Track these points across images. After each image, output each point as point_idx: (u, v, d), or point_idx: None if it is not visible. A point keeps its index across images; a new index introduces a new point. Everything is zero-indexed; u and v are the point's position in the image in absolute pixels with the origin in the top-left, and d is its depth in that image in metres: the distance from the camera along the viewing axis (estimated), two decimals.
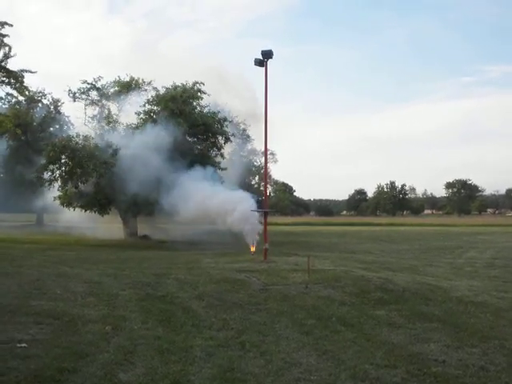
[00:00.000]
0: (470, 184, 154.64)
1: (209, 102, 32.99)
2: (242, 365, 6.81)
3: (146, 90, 36.30)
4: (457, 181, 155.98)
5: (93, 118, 37.28)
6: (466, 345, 7.88)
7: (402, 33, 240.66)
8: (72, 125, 43.91)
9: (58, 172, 28.25)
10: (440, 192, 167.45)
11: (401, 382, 6.26)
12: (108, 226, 33.53)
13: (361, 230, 53.78)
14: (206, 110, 32.44)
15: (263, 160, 20.81)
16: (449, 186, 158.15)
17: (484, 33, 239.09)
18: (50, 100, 45.68)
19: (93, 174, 27.38)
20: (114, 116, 32.74)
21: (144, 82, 36.50)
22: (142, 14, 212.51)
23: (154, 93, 33.96)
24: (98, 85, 37.69)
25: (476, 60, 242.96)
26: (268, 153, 21.39)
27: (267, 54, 20.05)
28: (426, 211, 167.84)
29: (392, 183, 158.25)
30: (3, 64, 32.57)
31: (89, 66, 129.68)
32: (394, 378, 6.35)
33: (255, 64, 20.30)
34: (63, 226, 36.08)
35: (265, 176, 20.02)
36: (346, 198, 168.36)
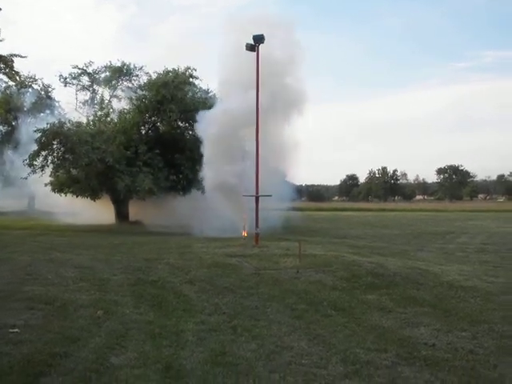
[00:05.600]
0: (462, 170, 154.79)
1: (200, 87, 32.94)
2: (233, 349, 6.84)
3: (137, 75, 36.19)
4: (448, 166, 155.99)
5: (84, 103, 37.09)
6: (455, 329, 7.95)
7: (396, 18, 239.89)
8: (63, 110, 43.68)
9: (49, 158, 28.10)
10: (432, 178, 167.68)
11: (391, 365, 6.31)
12: (99, 211, 33.44)
13: (352, 216, 53.92)
14: (198, 95, 32.34)
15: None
16: (440, 171, 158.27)
17: (479, 18, 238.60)
18: (41, 85, 45.40)
19: (85, 160, 27.26)
20: (106, 101, 32.58)
21: (135, 68, 36.37)
22: None
23: (145, 78, 33.87)
24: (89, 70, 37.54)
25: (471, 46, 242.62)
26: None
27: (259, 39, 19.93)
28: (418, 197, 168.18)
29: (384, 169, 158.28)
30: None
31: (80, 51, 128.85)
32: (384, 362, 6.40)
33: (247, 49, 20.18)
34: (54, 211, 35.95)
35: (256, 161, 19.96)
36: (338, 183, 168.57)
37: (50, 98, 45.05)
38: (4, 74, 35.58)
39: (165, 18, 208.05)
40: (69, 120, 31.12)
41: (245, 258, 14.91)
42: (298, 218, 35.29)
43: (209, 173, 25.27)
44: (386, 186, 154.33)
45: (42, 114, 43.33)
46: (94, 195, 30.53)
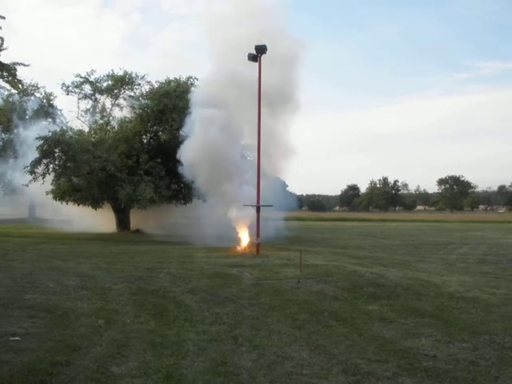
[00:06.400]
0: (463, 180, 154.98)
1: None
2: (234, 359, 6.85)
3: (139, 84, 36.22)
4: (449, 177, 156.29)
5: (86, 111, 37.15)
6: (456, 340, 7.94)
7: (395, 28, 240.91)
8: (65, 118, 43.66)
9: (51, 166, 28.09)
10: (432, 188, 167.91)
11: (392, 376, 6.30)
12: (100, 220, 33.47)
13: (353, 226, 53.85)
14: None
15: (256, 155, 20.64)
16: (441, 182, 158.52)
17: (478, 29, 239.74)
18: (43, 93, 45.36)
19: (86, 168, 27.31)
20: (108, 110, 32.66)
21: (137, 76, 36.38)
22: (135, 7, 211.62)
23: (147, 87, 33.96)
24: (91, 78, 37.49)
25: (470, 56, 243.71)
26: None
27: (261, 49, 19.92)
28: (419, 207, 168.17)
29: (385, 179, 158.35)
30: None
31: (83, 59, 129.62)
32: (385, 373, 6.40)
33: (249, 59, 20.16)
34: (55, 219, 35.98)
35: (258, 171, 19.94)
36: (339, 193, 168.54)
37: (52, 106, 45.03)
38: (7, 82, 35.56)
39: (164, 27, 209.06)
40: (71, 128, 31.18)
41: (246, 267, 14.89)
42: (299, 227, 35.29)
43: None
44: (387, 197, 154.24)
45: (43, 122, 43.33)
46: (95, 204, 30.60)
